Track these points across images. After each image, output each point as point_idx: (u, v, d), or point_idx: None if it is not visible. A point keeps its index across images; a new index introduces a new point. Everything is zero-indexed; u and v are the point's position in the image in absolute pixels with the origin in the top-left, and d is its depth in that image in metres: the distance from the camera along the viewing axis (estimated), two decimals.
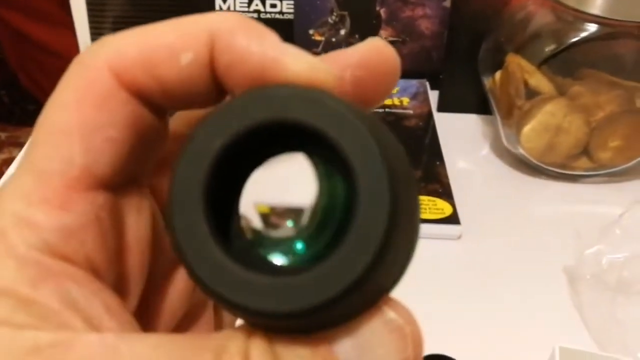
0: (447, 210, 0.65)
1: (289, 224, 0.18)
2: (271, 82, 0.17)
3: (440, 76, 0.83)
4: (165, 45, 0.17)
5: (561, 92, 0.73)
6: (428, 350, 0.48)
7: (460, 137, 0.78)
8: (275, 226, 0.18)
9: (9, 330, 0.15)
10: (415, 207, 0.16)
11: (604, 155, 0.73)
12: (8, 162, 1.90)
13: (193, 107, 0.19)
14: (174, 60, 0.17)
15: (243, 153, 0.16)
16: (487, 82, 0.78)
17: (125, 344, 0.16)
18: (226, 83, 0.17)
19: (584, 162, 0.73)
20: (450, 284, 0.59)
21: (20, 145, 0.83)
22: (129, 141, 0.17)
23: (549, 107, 0.72)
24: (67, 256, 0.16)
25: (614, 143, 0.73)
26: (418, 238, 0.17)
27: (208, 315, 0.23)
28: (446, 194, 0.67)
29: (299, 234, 0.18)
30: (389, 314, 0.16)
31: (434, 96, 0.83)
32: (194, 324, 0.23)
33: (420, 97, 0.83)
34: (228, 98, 0.18)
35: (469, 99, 0.83)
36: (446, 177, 0.70)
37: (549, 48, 0.72)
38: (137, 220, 0.19)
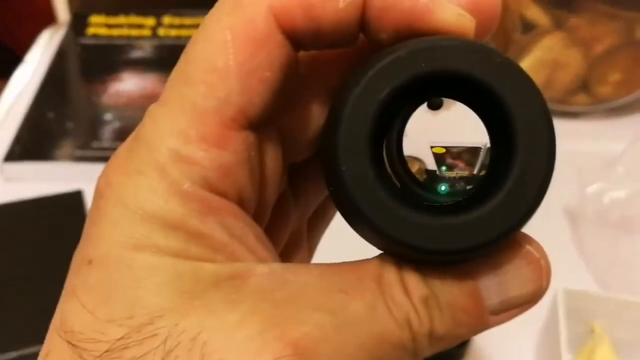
0: None
1: (442, 165, 0.19)
2: (421, 30, 0.17)
3: None
4: None
5: (558, 25, 0.70)
6: None
7: None
8: (432, 168, 0.19)
9: (189, 262, 0.16)
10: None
11: (603, 90, 0.71)
12: None
13: (331, 49, 0.19)
14: (333, 3, 0.17)
15: (397, 98, 0.17)
16: None
17: (292, 275, 0.17)
18: (373, 26, 0.18)
19: (582, 97, 0.71)
20: None
21: None
22: (279, 82, 0.18)
23: (546, 42, 0.69)
24: (223, 192, 0.17)
25: (613, 77, 0.70)
26: None
27: (302, 244, 0.24)
28: None
29: (448, 176, 0.19)
30: (527, 247, 0.17)
31: None
32: (293, 253, 0.24)
33: None
34: (386, 44, 0.18)
35: None
36: None
37: None
38: (272, 156, 0.19)
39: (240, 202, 0.18)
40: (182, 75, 0.17)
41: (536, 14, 0.69)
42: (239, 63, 0.17)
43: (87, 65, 0.76)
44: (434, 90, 0.17)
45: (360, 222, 0.17)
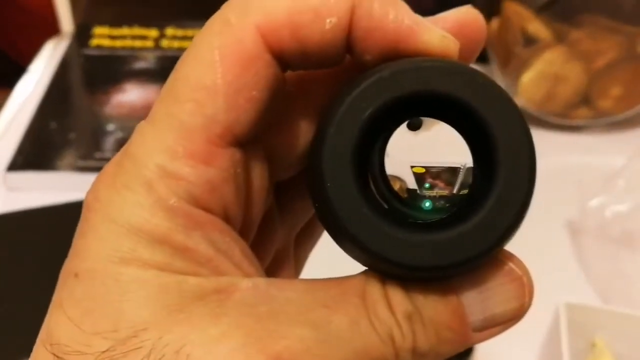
0: None
1: (423, 184, 0.19)
2: (406, 51, 0.18)
3: None
4: (312, 9, 0.17)
5: (560, 39, 0.70)
6: None
7: None
8: (411, 187, 0.19)
9: (174, 276, 0.17)
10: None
11: (605, 104, 0.71)
12: None
13: (318, 69, 0.20)
14: (319, 24, 0.17)
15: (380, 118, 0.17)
16: None
17: (276, 290, 0.17)
18: (359, 47, 0.18)
19: (584, 111, 0.71)
20: None
21: None
22: (266, 101, 0.18)
23: (547, 55, 0.69)
24: (209, 208, 0.17)
25: (614, 91, 0.70)
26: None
27: (289, 261, 0.24)
28: None
29: (430, 194, 0.19)
30: (510, 265, 0.18)
31: None
32: (279, 270, 0.24)
33: None
34: (373, 65, 0.19)
35: None
36: None
37: None
38: (259, 173, 0.20)
39: (226, 218, 0.18)
40: (171, 93, 0.18)
41: (538, 28, 0.70)
42: (226, 82, 0.17)
43: (90, 75, 0.76)
44: (417, 110, 0.17)
45: (344, 239, 0.17)
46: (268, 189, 0.21)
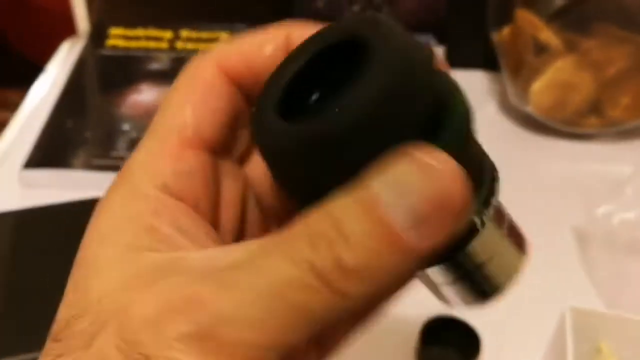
0: None
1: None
2: None
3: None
4: (255, 44, 0.24)
5: (571, 48, 0.70)
6: (435, 312, 0.47)
7: (467, 94, 0.76)
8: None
9: (136, 252, 0.20)
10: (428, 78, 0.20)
11: (614, 113, 0.71)
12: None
13: None
14: (262, 50, 0.24)
15: (314, 73, 0.21)
16: (495, 36, 0.75)
17: (225, 254, 0.19)
18: None
19: (593, 120, 0.71)
20: None
21: (8, 107, 0.81)
22: (227, 114, 0.23)
23: (558, 64, 0.70)
24: (179, 196, 0.22)
25: (624, 100, 0.71)
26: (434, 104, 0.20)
27: None
28: None
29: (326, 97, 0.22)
30: (415, 153, 0.17)
31: (440, 52, 0.81)
32: None
33: None
34: None
35: (475, 54, 0.80)
36: None
37: (559, 2, 0.70)
38: (232, 185, 0.24)
39: (197, 207, 0.22)
40: (159, 112, 0.23)
41: (549, 37, 0.70)
42: (192, 99, 0.23)
43: (105, 76, 0.77)
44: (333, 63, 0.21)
45: (264, 151, 0.21)
46: (241, 199, 0.24)
